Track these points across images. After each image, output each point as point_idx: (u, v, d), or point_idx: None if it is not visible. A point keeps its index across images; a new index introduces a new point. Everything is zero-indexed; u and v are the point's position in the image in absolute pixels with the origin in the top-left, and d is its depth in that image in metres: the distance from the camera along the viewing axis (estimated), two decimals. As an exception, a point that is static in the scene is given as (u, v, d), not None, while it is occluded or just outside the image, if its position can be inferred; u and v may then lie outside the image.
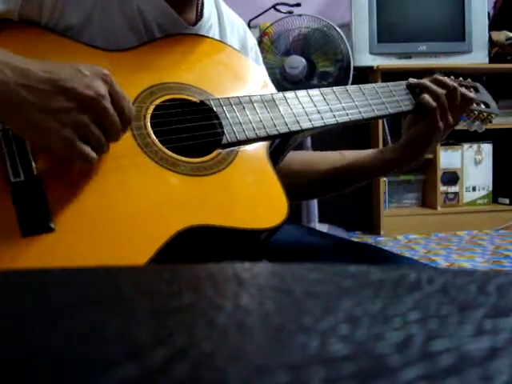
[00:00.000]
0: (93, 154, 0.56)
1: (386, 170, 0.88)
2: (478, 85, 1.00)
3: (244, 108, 0.72)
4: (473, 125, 0.97)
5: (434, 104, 0.81)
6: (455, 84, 0.85)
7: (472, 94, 0.87)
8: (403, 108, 0.84)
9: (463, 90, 0.86)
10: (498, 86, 2.89)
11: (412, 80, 0.86)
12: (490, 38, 2.82)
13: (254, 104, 0.73)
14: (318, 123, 0.76)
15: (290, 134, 0.74)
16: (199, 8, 0.79)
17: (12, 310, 0.19)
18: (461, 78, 0.97)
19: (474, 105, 0.93)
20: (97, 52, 0.67)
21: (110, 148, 0.59)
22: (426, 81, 0.85)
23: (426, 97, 0.82)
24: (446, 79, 0.86)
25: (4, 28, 0.65)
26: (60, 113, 0.54)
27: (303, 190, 0.86)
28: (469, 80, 0.99)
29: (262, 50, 2.37)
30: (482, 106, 0.96)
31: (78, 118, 0.54)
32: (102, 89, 0.56)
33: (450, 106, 0.83)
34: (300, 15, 2.44)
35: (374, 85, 0.85)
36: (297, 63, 2.37)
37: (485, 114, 0.96)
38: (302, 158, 0.87)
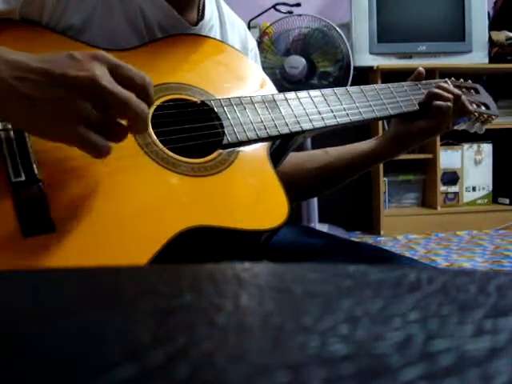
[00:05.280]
0: (99, 141, 0.53)
1: (373, 163, 0.91)
2: (478, 86, 1.00)
3: (245, 108, 0.72)
4: (473, 126, 0.98)
5: (449, 104, 0.85)
6: (459, 92, 0.87)
7: (471, 108, 0.90)
8: (404, 109, 0.85)
9: (464, 99, 0.88)
10: (497, 86, 2.89)
11: (420, 98, 0.87)
12: (490, 37, 2.82)
13: (255, 104, 0.73)
14: (319, 124, 0.76)
15: (291, 135, 0.75)
16: (200, 8, 0.79)
17: (12, 310, 0.19)
18: (461, 80, 0.97)
19: (475, 106, 0.93)
20: (97, 52, 0.67)
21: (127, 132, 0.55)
22: (433, 89, 0.87)
23: (439, 102, 0.85)
24: (450, 87, 0.87)
25: (5, 27, 0.65)
26: (56, 101, 0.52)
27: (295, 191, 0.86)
28: (469, 81, 0.99)
29: (262, 50, 2.37)
30: (482, 108, 0.96)
31: (75, 104, 0.52)
32: (97, 69, 0.52)
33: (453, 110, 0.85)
34: (300, 15, 2.44)
35: (374, 86, 0.85)
36: (297, 63, 2.37)
37: (485, 116, 0.96)
38: (290, 159, 0.87)
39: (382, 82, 1.03)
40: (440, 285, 0.20)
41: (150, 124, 0.65)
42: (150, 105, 0.55)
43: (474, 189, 2.98)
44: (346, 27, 2.64)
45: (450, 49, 2.75)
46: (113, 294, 0.21)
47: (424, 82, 0.90)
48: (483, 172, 2.97)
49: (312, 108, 0.77)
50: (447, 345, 0.15)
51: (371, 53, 2.68)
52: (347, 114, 0.79)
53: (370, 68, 2.70)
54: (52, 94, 0.52)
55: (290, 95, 0.77)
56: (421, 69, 0.91)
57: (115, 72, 0.53)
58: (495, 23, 2.92)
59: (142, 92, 0.54)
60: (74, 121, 0.52)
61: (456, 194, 2.95)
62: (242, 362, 0.14)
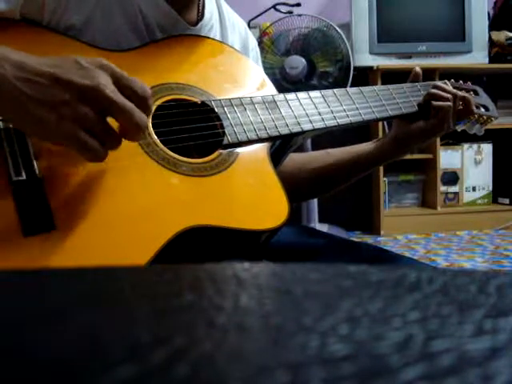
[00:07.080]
0: (97, 147, 0.54)
1: (374, 164, 0.91)
2: (477, 88, 1.00)
3: (245, 109, 0.72)
4: (472, 128, 0.98)
5: (449, 103, 0.85)
6: (458, 92, 0.87)
7: (473, 108, 0.90)
8: (403, 110, 0.85)
9: (470, 99, 0.88)
10: (497, 86, 2.89)
11: (420, 100, 0.87)
12: (490, 37, 2.82)
13: (255, 105, 0.73)
14: (319, 125, 0.76)
15: (291, 136, 0.75)
16: (200, 8, 0.79)
17: (12, 310, 0.19)
18: (461, 81, 0.97)
19: (474, 108, 0.93)
20: (98, 52, 0.67)
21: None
22: (431, 90, 0.87)
23: (439, 102, 0.85)
24: (448, 87, 0.87)
25: (6, 27, 0.65)
26: (58, 105, 0.52)
27: (297, 192, 0.86)
28: (468, 83, 0.99)
29: (262, 50, 2.37)
30: (482, 109, 0.96)
31: (77, 110, 0.53)
32: (102, 78, 0.53)
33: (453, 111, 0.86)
34: (300, 15, 2.44)
35: (374, 87, 0.85)
36: (297, 63, 2.37)
37: (484, 117, 0.96)
38: (292, 159, 0.87)
39: (382, 82, 1.04)
40: (440, 285, 0.20)
41: (150, 124, 0.65)
42: (147, 115, 0.57)
43: (474, 189, 2.98)
44: (346, 27, 2.64)
45: (450, 49, 2.75)
46: (113, 293, 0.21)
47: (423, 83, 0.90)
48: (483, 172, 2.97)
49: (312, 109, 0.77)
50: (447, 345, 0.15)
51: (371, 53, 2.68)
52: (347, 115, 0.79)
53: (370, 68, 2.70)
54: (56, 98, 0.52)
55: (290, 96, 0.77)
56: (417, 68, 0.91)
57: (118, 82, 0.55)
58: (495, 23, 2.92)
59: (142, 103, 0.56)
60: (75, 125, 0.53)
61: (456, 194, 2.95)
62: (242, 362, 0.14)
